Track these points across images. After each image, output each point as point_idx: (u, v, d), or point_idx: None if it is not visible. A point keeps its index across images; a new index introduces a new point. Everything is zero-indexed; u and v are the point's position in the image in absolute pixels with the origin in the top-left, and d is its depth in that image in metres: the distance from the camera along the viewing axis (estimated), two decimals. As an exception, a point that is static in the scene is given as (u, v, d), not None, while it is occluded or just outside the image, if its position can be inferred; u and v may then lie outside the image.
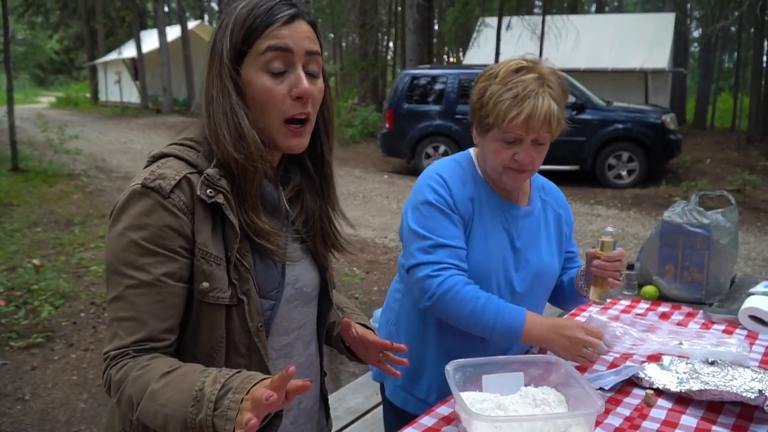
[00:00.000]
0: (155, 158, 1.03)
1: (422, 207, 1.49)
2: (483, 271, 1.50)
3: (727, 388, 1.32)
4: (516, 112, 1.39)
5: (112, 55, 25.05)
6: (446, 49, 22.60)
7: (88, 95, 28.44)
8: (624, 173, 9.31)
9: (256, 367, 1.04)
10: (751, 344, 1.69)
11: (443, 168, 1.54)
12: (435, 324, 1.58)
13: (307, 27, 1.03)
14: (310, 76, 1.03)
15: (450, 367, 1.32)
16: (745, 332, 1.79)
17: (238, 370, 0.91)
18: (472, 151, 1.62)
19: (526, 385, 1.36)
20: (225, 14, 1.02)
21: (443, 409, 1.37)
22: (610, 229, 1.51)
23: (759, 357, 1.61)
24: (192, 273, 0.99)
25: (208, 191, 0.98)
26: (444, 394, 1.56)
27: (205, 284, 0.98)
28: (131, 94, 23.60)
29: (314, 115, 1.06)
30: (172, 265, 0.97)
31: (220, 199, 0.98)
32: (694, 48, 25.63)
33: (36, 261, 5.14)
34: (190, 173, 0.99)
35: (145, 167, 1.03)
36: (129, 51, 23.91)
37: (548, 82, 1.43)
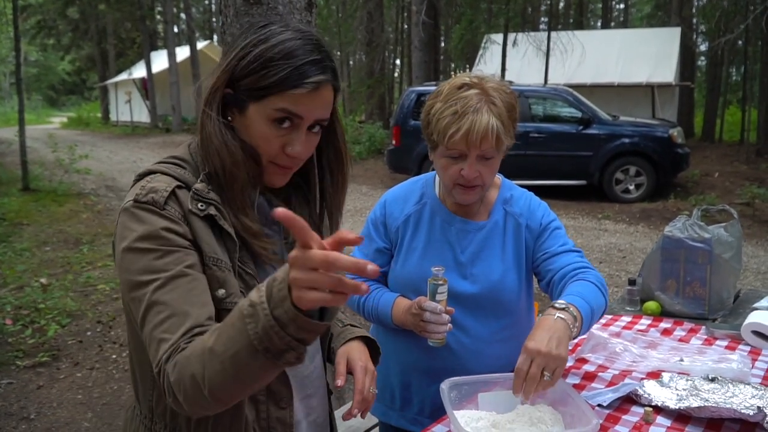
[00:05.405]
0: (142, 176, 1.04)
1: (366, 221, 1.71)
2: (414, 280, 1.57)
3: (727, 405, 1.30)
4: (455, 128, 1.41)
5: (123, 76, 25.39)
6: (453, 65, 22.74)
7: (99, 115, 28.80)
8: (632, 187, 9.28)
9: (275, 377, 1.02)
10: (754, 360, 1.67)
11: (393, 190, 1.72)
12: (387, 333, 1.67)
13: (329, 93, 1.02)
14: (311, 132, 1.03)
15: (445, 386, 1.32)
16: (748, 348, 1.76)
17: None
18: None
19: (522, 402, 1.35)
20: (252, 38, 1.00)
21: (439, 428, 1.36)
22: (434, 269, 1.44)
23: (762, 373, 1.59)
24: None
25: (199, 205, 0.99)
26: (410, 401, 1.65)
27: (222, 291, 0.98)
28: (141, 114, 23.88)
29: (303, 160, 1.06)
30: (190, 258, 0.96)
31: (212, 210, 1.00)
32: (701, 62, 25.62)
33: (43, 280, 5.18)
34: (179, 187, 1.00)
35: (133, 185, 1.03)
36: (139, 71, 24.23)
37: (491, 97, 1.43)
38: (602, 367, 1.63)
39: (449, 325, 1.44)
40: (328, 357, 1.31)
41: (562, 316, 1.30)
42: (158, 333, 0.91)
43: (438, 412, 1.50)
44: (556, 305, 1.34)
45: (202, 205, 1.00)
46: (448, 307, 1.45)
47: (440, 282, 1.42)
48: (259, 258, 1.05)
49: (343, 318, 1.37)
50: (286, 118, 0.99)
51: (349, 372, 1.23)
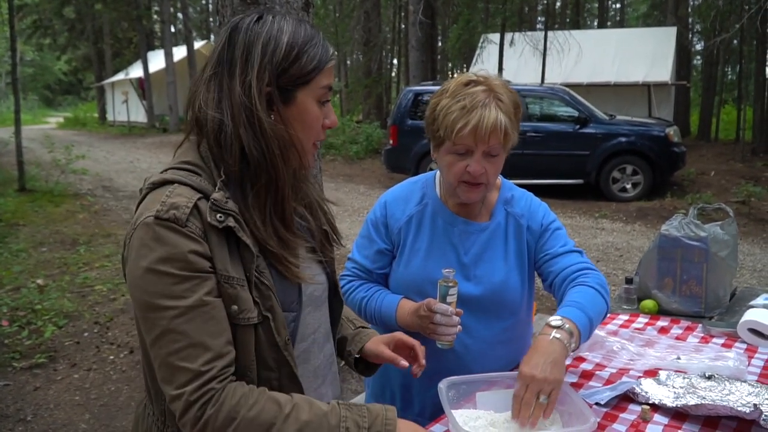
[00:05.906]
0: (155, 185, 1.01)
1: (365, 222, 1.69)
2: (418, 282, 1.57)
3: (724, 403, 1.31)
4: (463, 122, 1.40)
5: (120, 76, 25.32)
6: (450, 65, 22.77)
7: (95, 115, 28.74)
8: (628, 186, 9.29)
9: (286, 380, 1.07)
10: (750, 358, 1.67)
11: (393, 190, 1.71)
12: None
13: None
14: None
15: (443, 385, 1.32)
16: (744, 346, 1.77)
17: (372, 410, 1.06)
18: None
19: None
20: (265, 32, 1.01)
21: (437, 428, 1.36)
22: (445, 271, 1.43)
23: (758, 371, 1.59)
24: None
25: (218, 216, 0.98)
26: (410, 402, 1.65)
27: (234, 307, 1.00)
28: (138, 114, 23.82)
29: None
30: (208, 284, 0.97)
31: (231, 222, 0.99)
32: (697, 61, 25.65)
33: (40, 281, 5.17)
34: (199, 200, 0.98)
35: (146, 195, 1.01)
36: (136, 71, 24.18)
37: (497, 94, 1.44)
38: (599, 366, 1.63)
39: (459, 326, 1.45)
40: (345, 359, 1.36)
41: (558, 336, 1.29)
42: (175, 360, 0.94)
43: (438, 414, 1.50)
44: (552, 323, 1.33)
45: (220, 216, 0.98)
46: (457, 308, 1.45)
47: (451, 284, 1.42)
48: (281, 269, 1.06)
49: (354, 319, 1.42)
50: (326, 99, 1.08)
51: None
